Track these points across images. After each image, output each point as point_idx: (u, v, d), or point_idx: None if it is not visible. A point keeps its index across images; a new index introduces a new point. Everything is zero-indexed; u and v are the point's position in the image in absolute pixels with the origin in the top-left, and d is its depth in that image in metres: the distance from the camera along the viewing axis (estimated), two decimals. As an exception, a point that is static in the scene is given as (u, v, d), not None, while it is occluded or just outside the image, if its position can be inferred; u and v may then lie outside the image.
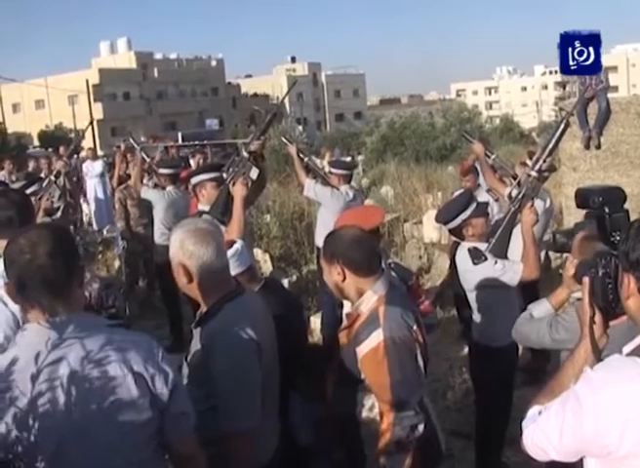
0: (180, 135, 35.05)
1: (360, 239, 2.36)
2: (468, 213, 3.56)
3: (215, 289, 2.20)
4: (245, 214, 3.75)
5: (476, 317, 3.65)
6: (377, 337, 2.23)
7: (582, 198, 2.87)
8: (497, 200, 5.49)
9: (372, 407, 2.32)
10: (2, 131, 32.67)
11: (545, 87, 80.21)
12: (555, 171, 6.36)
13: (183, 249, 2.16)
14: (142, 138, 12.80)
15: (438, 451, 2.46)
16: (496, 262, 3.42)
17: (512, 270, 3.41)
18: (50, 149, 21.52)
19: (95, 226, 11.03)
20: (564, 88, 62.00)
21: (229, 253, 2.49)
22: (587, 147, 7.67)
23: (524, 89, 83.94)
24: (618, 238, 2.01)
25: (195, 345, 2.20)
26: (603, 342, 1.68)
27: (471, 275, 3.52)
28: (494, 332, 3.51)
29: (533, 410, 1.63)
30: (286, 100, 43.22)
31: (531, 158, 5.62)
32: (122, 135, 29.02)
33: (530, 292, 4.18)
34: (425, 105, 52.11)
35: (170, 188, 6.31)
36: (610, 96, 7.78)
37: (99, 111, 45.49)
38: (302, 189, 6.52)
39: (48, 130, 43.88)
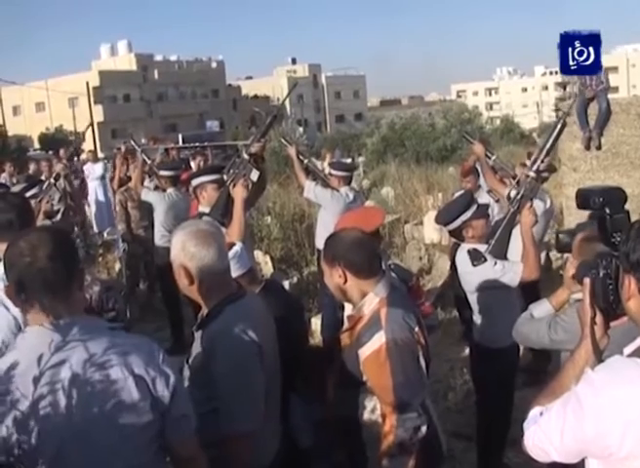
0: (180, 136, 34.94)
1: (361, 241, 2.37)
2: (469, 214, 3.55)
3: (216, 291, 2.20)
4: (245, 215, 3.74)
5: (477, 318, 3.65)
6: (379, 339, 2.23)
7: (583, 199, 2.87)
8: (497, 201, 5.48)
9: (374, 409, 2.32)
10: (2, 133, 32.73)
11: (546, 87, 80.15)
12: (555, 171, 6.35)
13: (185, 250, 2.16)
14: (143, 140, 12.76)
15: (439, 453, 2.46)
16: (495, 263, 3.41)
17: (512, 271, 3.41)
18: (50, 152, 21.52)
19: (95, 229, 11.01)
20: (564, 88, 61.94)
21: (229, 255, 2.49)
22: (588, 148, 7.67)
23: (524, 89, 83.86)
24: (618, 239, 2.00)
25: (196, 347, 2.20)
26: (604, 343, 1.68)
27: (471, 277, 3.52)
28: (494, 334, 3.51)
29: (534, 412, 1.62)
30: (286, 102, 43.35)
31: (530, 159, 5.62)
32: (122, 137, 29.06)
33: (530, 292, 4.17)
34: (426, 106, 52.08)
35: (170, 190, 6.31)
36: (610, 96, 7.80)
37: (99, 113, 45.47)
38: (302, 191, 6.52)
39: (48, 132, 43.87)
